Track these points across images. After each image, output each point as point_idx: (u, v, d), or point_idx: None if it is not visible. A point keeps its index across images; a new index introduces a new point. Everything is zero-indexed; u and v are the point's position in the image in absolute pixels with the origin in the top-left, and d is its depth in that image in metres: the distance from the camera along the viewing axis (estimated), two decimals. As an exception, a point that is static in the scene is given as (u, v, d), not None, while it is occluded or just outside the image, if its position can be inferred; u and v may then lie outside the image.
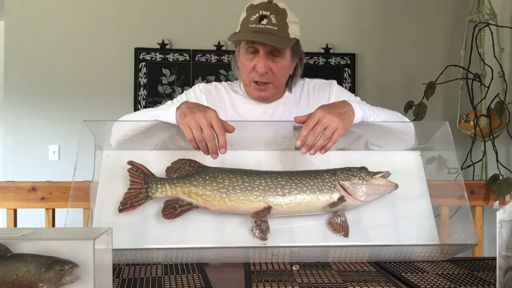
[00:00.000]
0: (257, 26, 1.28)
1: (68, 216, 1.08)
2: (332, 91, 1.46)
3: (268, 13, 1.28)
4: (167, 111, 1.15)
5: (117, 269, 0.99)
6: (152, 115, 1.19)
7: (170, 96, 3.24)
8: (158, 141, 1.27)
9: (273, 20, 1.28)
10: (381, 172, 1.12)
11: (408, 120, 1.35)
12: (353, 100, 1.42)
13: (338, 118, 1.09)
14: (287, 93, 1.46)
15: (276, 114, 1.43)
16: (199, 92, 1.45)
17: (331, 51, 3.37)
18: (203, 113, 1.08)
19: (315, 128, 1.08)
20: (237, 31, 1.35)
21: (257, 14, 1.29)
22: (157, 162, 1.15)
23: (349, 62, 3.38)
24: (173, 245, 1.05)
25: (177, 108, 1.13)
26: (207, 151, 1.09)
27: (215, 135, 1.07)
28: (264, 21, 1.28)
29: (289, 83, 1.45)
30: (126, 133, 1.22)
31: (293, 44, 1.32)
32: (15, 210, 1.64)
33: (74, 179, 1.12)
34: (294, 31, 1.32)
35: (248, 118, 1.40)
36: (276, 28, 1.28)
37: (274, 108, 1.44)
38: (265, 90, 1.37)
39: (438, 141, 1.23)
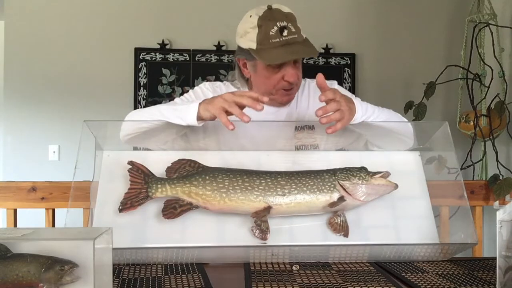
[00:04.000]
0: (281, 39, 1.27)
1: (68, 216, 1.08)
2: None
3: (285, 23, 1.28)
4: (188, 106, 1.17)
5: (117, 269, 0.99)
6: (166, 115, 1.20)
7: (170, 96, 3.24)
8: (168, 138, 1.28)
9: (292, 29, 1.29)
10: (380, 172, 1.12)
11: (407, 121, 1.35)
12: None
13: (348, 108, 1.14)
14: None
15: (280, 115, 1.43)
16: (206, 91, 1.45)
17: (331, 51, 3.37)
18: (229, 92, 1.14)
19: (336, 101, 1.12)
20: (254, 47, 1.30)
21: (275, 27, 1.27)
22: (157, 162, 1.15)
23: (349, 62, 3.38)
24: (173, 244, 1.05)
25: (200, 103, 1.16)
26: (244, 114, 1.10)
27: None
28: (285, 32, 1.27)
29: None
30: (136, 130, 1.23)
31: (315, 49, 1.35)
32: (15, 210, 1.64)
33: (74, 179, 1.12)
34: (303, 32, 1.33)
35: (253, 118, 1.40)
36: (296, 36, 1.29)
37: (278, 108, 1.43)
38: (292, 94, 1.40)
39: (437, 141, 1.23)
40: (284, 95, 1.38)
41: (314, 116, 1.26)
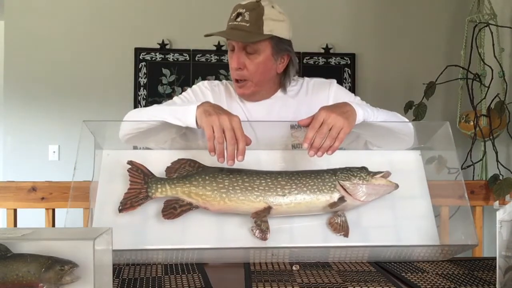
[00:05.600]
0: (233, 23, 1.32)
1: (68, 216, 1.08)
2: (331, 90, 1.46)
3: (244, 10, 1.31)
4: (187, 108, 1.15)
5: (117, 269, 0.99)
6: (164, 116, 1.18)
7: (170, 96, 3.24)
8: (167, 138, 1.27)
9: (246, 17, 1.31)
10: (381, 172, 1.12)
11: (407, 120, 1.35)
12: (353, 100, 1.42)
13: (342, 117, 1.09)
14: (279, 92, 1.45)
15: (272, 113, 1.42)
16: (205, 89, 1.46)
17: (331, 51, 3.37)
18: (229, 116, 1.08)
19: (320, 129, 1.08)
20: None
21: (235, 13, 1.33)
22: (157, 161, 1.15)
23: (349, 62, 3.38)
24: (173, 245, 1.05)
25: (199, 106, 1.13)
26: (222, 156, 1.06)
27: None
28: (239, 18, 1.31)
29: (282, 82, 1.45)
30: (135, 130, 1.23)
31: (260, 39, 1.31)
32: (15, 210, 1.63)
33: (74, 179, 1.12)
34: (271, 28, 1.32)
35: (245, 118, 1.40)
36: (248, 25, 1.30)
37: (270, 106, 1.43)
38: (244, 88, 1.38)
39: (438, 141, 1.22)
40: (236, 86, 1.39)
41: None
